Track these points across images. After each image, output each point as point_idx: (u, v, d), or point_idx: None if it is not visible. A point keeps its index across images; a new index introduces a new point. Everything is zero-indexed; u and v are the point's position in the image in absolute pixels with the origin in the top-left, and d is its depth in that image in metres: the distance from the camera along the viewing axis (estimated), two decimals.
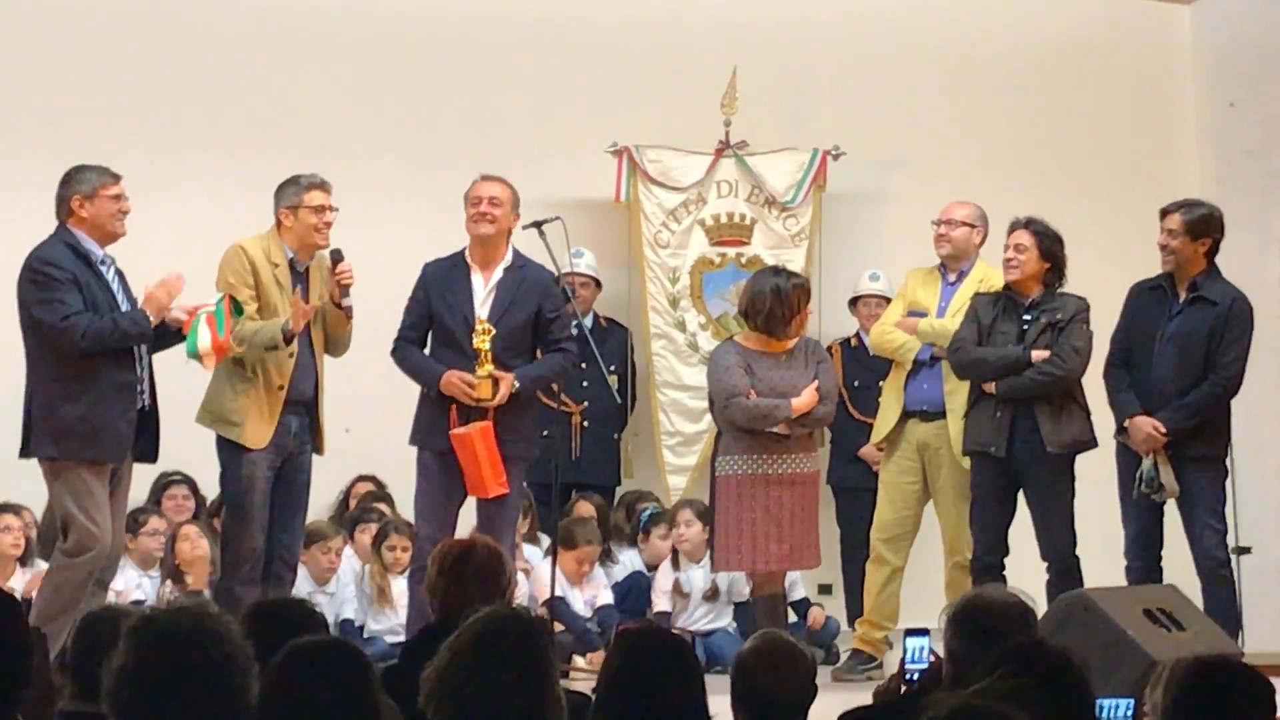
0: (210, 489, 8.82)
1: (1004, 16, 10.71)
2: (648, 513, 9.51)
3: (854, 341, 9.98)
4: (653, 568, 9.34)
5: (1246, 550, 9.79)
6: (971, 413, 8.26)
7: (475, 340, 7.84)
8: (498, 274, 8.03)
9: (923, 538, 8.68)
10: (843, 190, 10.31)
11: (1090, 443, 8.20)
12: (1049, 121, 10.68)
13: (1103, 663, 6.32)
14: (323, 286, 7.90)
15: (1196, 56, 10.78)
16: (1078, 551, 8.20)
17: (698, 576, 9.13)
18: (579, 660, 8.74)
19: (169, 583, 8.61)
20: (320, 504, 9.06)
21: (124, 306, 7.42)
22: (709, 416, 9.05)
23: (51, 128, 9.36)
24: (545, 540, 9.18)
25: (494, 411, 7.83)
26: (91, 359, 7.27)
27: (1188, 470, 8.05)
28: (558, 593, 8.69)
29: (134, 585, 8.60)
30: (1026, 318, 8.23)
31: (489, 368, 7.83)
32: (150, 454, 7.58)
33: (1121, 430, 8.15)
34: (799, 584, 9.29)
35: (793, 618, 9.02)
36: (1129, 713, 4.54)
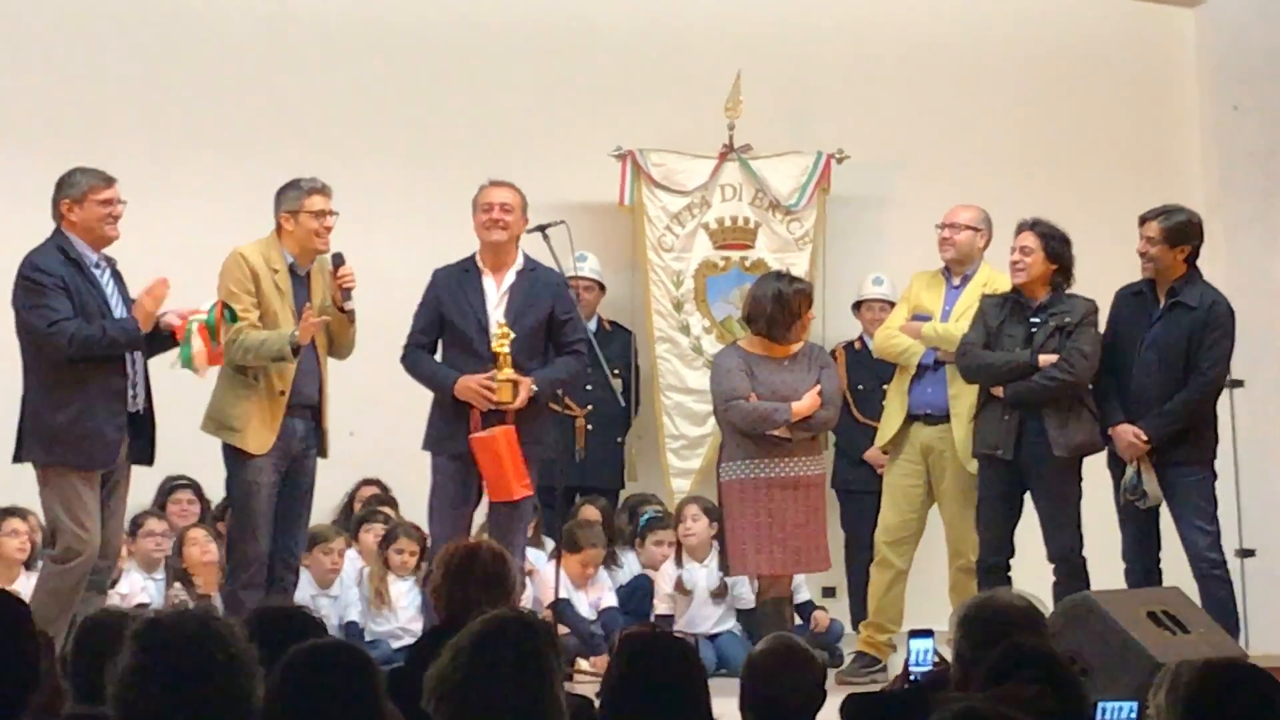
0: (215, 493, 8.84)
1: (1008, 20, 10.71)
2: (646, 516, 9.51)
3: (858, 345, 9.98)
4: (650, 568, 9.33)
5: (1250, 553, 9.80)
6: (980, 416, 8.27)
7: (494, 344, 7.89)
8: (510, 277, 8.08)
9: (927, 541, 8.68)
10: (847, 193, 10.31)
11: (1098, 446, 8.20)
12: (1053, 125, 10.68)
13: (1107, 665, 6.32)
14: (325, 290, 7.90)
15: (1200, 59, 10.77)
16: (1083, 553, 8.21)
17: (701, 575, 9.12)
18: (583, 663, 8.74)
19: (177, 585, 8.62)
20: (325, 508, 9.07)
21: (119, 310, 7.41)
22: (713, 420, 9.06)
23: (54, 130, 9.36)
24: (549, 544, 9.18)
25: (513, 414, 7.85)
26: (81, 365, 7.27)
27: (1173, 475, 8.04)
28: (562, 595, 8.70)
29: (139, 588, 8.60)
30: (1034, 320, 8.22)
31: (508, 371, 7.86)
32: (147, 457, 7.58)
33: (1107, 437, 8.16)
34: (803, 587, 9.29)
35: (797, 620, 9.02)
36: (1133, 715, 4.53)
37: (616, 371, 9.54)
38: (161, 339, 7.48)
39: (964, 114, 10.58)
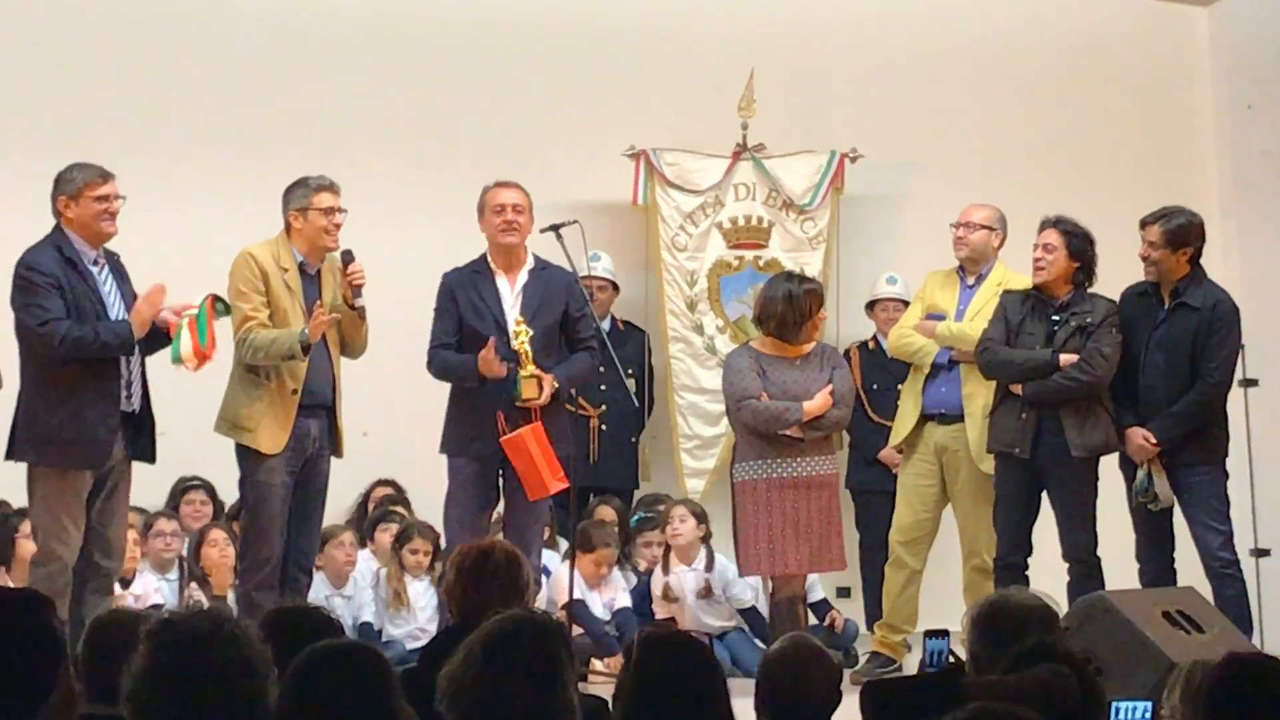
0: (228, 494, 8.83)
1: (1021, 19, 10.70)
2: (636, 518, 9.48)
3: (872, 344, 9.97)
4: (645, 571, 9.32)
5: (1266, 552, 9.77)
6: (997, 413, 8.25)
7: (514, 342, 7.89)
8: (523, 277, 8.09)
9: (941, 540, 8.67)
10: (860, 193, 10.30)
11: (1114, 447, 8.18)
12: (1067, 124, 10.67)
13: (1121, 665, 6.31)
14: (335, 288, 7.89)
15: (1214, 58, 10.76)
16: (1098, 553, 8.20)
17: (689, 579, 9.09)
18: (597, 664, 8.73)
19: (193, 585, 8.61)
20: (338, 508, 9.07)
21: (117, 308, 7.39)
22: (726, 420, 9.05)
23: (62, 130, 9.35)
24: (563, 545, 9.17)
25: (538, 411, 7.87)
26: (73, 366, 7.26)
27: (1184, 475, 8.03)
28: (576, 596, 8.69)
29: (153, 589, 8.60)
30: (1056, 319, 8.19)
31: (531, 368, 7.87)
32: (148, 454, 7.55)
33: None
34: (817, 586, 9.28)
35: (811, 620, 9.01)
36: (1147, 715, 4.52)
37: (630, 371, 9.53)
38: (160, 338, 7.46)
39: (977, 113, 10.57)
